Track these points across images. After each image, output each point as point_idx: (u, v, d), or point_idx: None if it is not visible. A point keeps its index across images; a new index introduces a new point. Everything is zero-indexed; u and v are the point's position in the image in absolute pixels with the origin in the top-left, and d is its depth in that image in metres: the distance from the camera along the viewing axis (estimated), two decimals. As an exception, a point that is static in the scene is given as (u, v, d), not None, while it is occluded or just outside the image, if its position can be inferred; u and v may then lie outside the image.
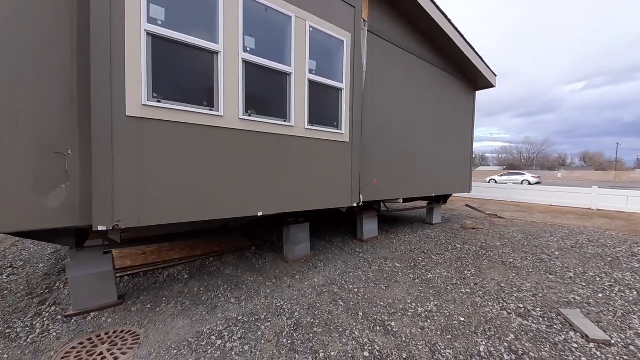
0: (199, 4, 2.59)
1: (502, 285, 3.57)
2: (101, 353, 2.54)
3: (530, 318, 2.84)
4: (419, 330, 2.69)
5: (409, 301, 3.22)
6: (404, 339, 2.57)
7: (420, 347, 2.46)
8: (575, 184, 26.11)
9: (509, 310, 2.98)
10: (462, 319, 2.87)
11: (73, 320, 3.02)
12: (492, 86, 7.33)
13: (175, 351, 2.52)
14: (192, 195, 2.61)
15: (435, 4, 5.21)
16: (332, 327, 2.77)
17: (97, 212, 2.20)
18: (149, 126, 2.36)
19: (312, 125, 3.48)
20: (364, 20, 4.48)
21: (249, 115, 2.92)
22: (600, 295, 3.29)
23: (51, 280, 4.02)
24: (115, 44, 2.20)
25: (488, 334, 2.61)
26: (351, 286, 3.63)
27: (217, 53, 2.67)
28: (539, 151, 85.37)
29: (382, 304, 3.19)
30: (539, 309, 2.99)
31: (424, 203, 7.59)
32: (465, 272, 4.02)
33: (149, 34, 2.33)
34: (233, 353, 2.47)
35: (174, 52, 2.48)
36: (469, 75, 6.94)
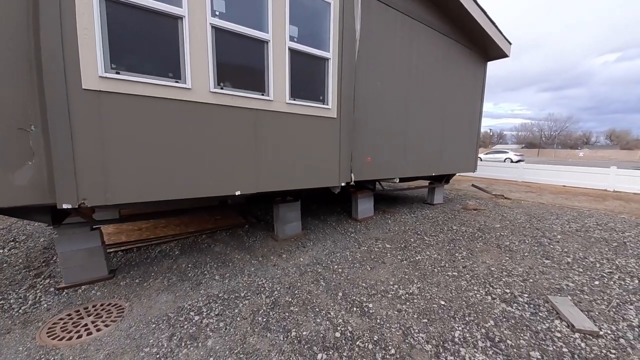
0: (158, -39, 2.33)
1: (492, 269, 3.43)
2: (85, 324, 2.62)
3: (515, 304, 2.72)
4: (396, 312, 2.63)
5: (391, 283, 3.15)
6: (378, 320, 2.52)
7: (393, 329, 2.41)
8: (597, 163, 24.77)
9: (493, 296, 2.86)
10: (442, 302, 2.78)
11: (64, 293, 3.13)
12: (505, 56, 6.71)
13: (154, 325, 2.57)
14: (162, 173, 2.52)
15: None
16: (308, 307, 2.75)
17: (60, 190, 2.16)
18: (109, 100, 2.23)
19: (294, 100, 3.26)
20: (358, -20, 4.04)
21: (222, 88, 2.74)
22: (597, 282, 3.11)
23: (49, 254, 4.17)
24: (66, 8, 2.02)
25: (467, 319, 2.52)
26: (336, 266, 3.58)
27: (181, 18, 2.45)
28: (561, 128, 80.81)
29: (363, 284, 3.13)
30: (526, 295, 2.86)
31: (426, 182, 7.35)
32: (456, 254, 3.89)
33: (101, -3, 2.13)
34: (208, 329, 2.50)
35: (132, 18, 2.28)
36: (480, 43, 6.35)
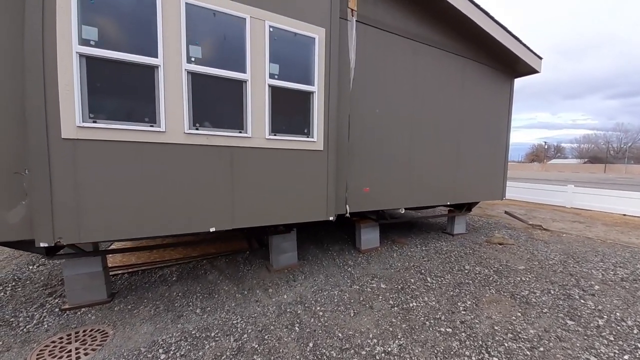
0: (136, 17, 2.53)
1: (496, 328, 2.92)
2: (70, 350, 2.78)
3: (511, 382, 2.25)
4: (363, 376, 2.35)
5: (371, 336, 2.85)
6: None
7: (353, 400, 2.13)
8: (681, 184, 20.70)
9: (486, 366, 2.42)
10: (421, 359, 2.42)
11: (65, 314, 3.38)
12: (535, 71, 6.04)
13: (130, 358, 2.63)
14: (133, 212, 2.63)
15: None
16: (272, 358, 2.59)
17: (37, 229, 2.35)
18: (85, 146, 2.41)
19: (274, 135, 3.24)
20: (352, 10, 3.99)
21: (197, 129, 2.82)
22: (627, 357, 2.46)
23: (67, 272, 4.59)
24: (48, 68, 2.26)
25: (443, 396, 2.14)
26: (319, 308, 3.37)
27: (156, 67, 2.60)
28: (634, 140, 69.93)
29: (339, 335, 2.88)
30: (529, 370, 2.36)
31: (446, 209, 6.76)
32: (459, 303, 3.41)
33: (81, 55, 2.36)
34: (172, 372, 2.47)
35: (110, 71, 2.48)
36: (502, 60, 5.81)
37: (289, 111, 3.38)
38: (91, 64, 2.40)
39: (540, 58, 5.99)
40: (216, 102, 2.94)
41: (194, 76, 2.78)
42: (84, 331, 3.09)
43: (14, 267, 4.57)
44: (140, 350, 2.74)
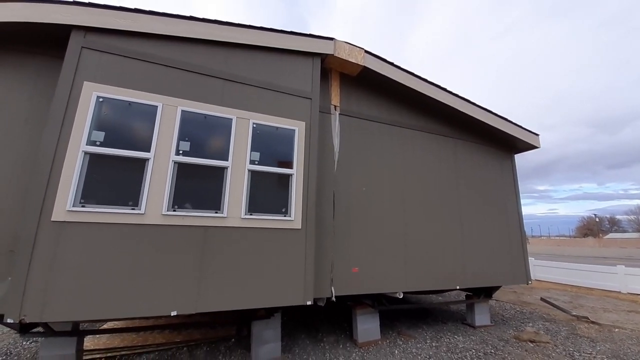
0: (138, 122, 3.13)
1: None
2: None
3: None
4: None
5: None
6: None
7: None
8: None
9: None
10: None
11: None
12: (534, 147, 6.03)
13: None
14: (99, 294, 2.69)
15: (428, 81, 4.99)
16: None
17: (8, 305, 2.46)
18: (68, 228, 2.70)
19: (250, 214, 3.38)
20: (335, 105, 4.57)
21: (174, 210, 3.06)
22: None
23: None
24: (56, 165, 2.76)
25: None
26: (286, 421, 2.81)
27: (147, 160, 3.05)
28: None
29: None
30: None
31: (464, 294, 5.95)
32: None
33: (86, 153, 2.87)
34: None
35: (107, 164, 2.95)
36: (497, 140, 5.94)
37: (268, 192, 3.59)
38: (92, 159, 2.90)
39: (537, 134, 6.05)
40: (197, 185, 3.26)
41: (180, 165, 3.18)
42: None
43: (10, 342, 4.56)
44: None
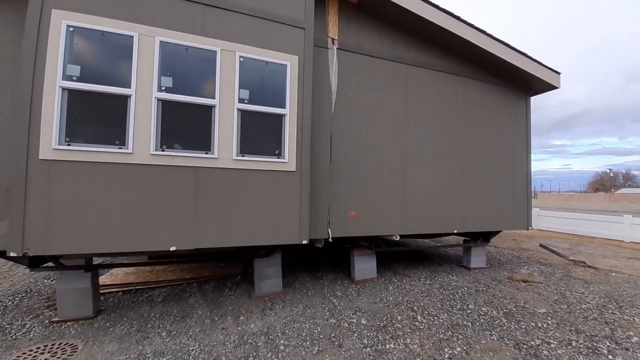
0: (115, 55, 2.90)
1: (482, 383, 2.36)
2: None
3: None
4: None
5: (326, 378, 2.49)
6: None
7: None
8: None
9: None
10: None
11: (52, 326, 3.56)
12: (553, 87, 5.49)
13: None
14: (98, 228, 2.78)
15: (438, 7, 4.37)
16: (210, 392, 2.37)
17: (9, 241, 2.59)
18: (58, 167, 2.69)
19: (243, 156, 3.30)
20: (332, 39, 4.13)
21: (163, 150, 2.99)
22: None
23: (72, 288, 4.91)
24: (35, 101, 2.64)
25: None
26: (282, 341, 3.09)
27: (129, 96, 2.89)
28: None
29: (292, 373, 2.56)
30: None
31: (461, 239, 6.05)
32: (445, 349, 2.87)
33: (64, 89, 2.72)
34: (107, 395, 2.39)
35: (87, 101, 2.81)
36: (512, 78, 5.42)
37: (260, 133, 3.45)
38: (72, 95, 2.75)
39: (558, 73, 5.47)
40: (184, 125, 3.13)
41: (164, 103, 3.02)
42: (59, 344, 3.21)
43: (31, 281, 5.03)
44: (95, 370, 2.73)
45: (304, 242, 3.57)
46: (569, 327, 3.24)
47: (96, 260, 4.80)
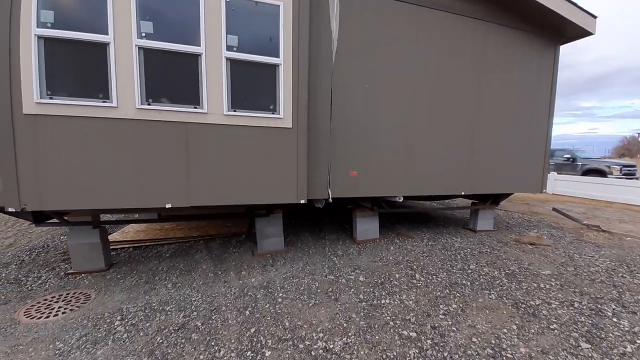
0: (88, -3, 2.62)
1: (475, 339, 2.36)
2: (53, 308, 3.10)
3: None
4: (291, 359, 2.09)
5: (319, 329, 2.55)
6: None
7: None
8: None
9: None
10: None
11: (67, 278, 3.81)
12: (588, 34, 4.79)
13: (86, 321, 2.82)
14: (88, 184, 2.77)
15: None
16: (208, 338, 2.49)
17: (6, 197, 2.62)
18: (43, 122, 2.60)
19: (234, 111, 3.10)
20: (333, -25, 3.61)
21: (149, 104, 2.83)
22: None
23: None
24: (14, 50, 2.47)
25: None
26: (280, 294, 3.17)
27: (107, 44, 2.66)
28: None
29: (287, 324, 2.65)
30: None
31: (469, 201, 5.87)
32: (441, 306, 2.87)
33: (39, 37, 2.52)
34: (112, 337, 2.57)
35: (66, 50, 2.62)
36: (540, 23, 4.73)
37: (252, 86, 3.20)
38: (48, 45, 2.56)
39: (594, 17, 4.72)
40: (170, 77, 2.92)
41: (146, 51, 2.78)
42: (74, 293, 3.44)
43: (48, 237, 5.34)
44: (103, 315, 2.93)
45: (302, 201, 3.50)
46: (573, 289, 3.16)
47: (106, 219, 4.99)
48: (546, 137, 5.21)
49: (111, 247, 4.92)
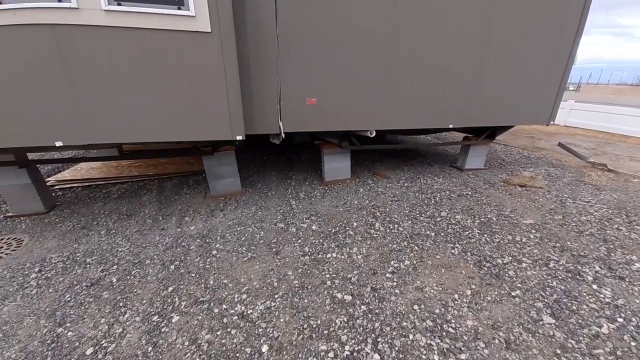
0: None
1: (417, 307, 2.00)
2: None
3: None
4: (189, 342, 1.81)
5: (244, 289, 2.23)
6: (161, 343, 1.78)
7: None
8: None
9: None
10: (276, 333, 1.79)
11: (5, 221, 3.51)
12: None
13: (6, 272, 2.60)
14: None
15: None
16: (119, 297, 2.22)
17: None
18: None
19: (119, 4, 2.13)
20: None
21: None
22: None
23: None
24: None
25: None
26: (217, 245, 2.82)
27: None
28: None
29: (211, 282, 2.33)
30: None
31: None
32: (392, 262, 2.49)
33: None
34: (22, 292, 2.36)
35: None
36: None
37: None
38: None
39: None
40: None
41: None
42: (8, 239, 3.17)
43: None
44: (25, 265, 2.69)
45: (239, 138, 2.80)
46: (553, 244, 2.71)
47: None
48: (567, 59, 4.04)
49: (58, 187, 4.54)
